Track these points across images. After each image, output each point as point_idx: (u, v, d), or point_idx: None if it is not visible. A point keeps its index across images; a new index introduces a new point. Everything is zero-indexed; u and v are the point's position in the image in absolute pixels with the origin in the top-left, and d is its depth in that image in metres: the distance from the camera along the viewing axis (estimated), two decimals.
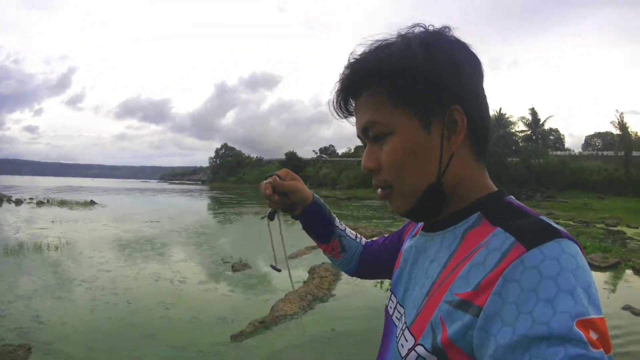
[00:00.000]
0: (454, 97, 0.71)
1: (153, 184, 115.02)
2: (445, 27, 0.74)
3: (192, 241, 13.73)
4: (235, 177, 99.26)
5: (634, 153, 45.20)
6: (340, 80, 0.79)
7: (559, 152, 56.96)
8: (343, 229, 1.21)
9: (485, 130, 0.76)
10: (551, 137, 63.23)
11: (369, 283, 8.49)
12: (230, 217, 21.79)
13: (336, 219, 1.21)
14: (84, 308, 6.41)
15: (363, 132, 0.77)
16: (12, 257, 9.72)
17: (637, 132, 49.88)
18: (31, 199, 29.14)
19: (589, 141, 77.91)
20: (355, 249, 1.21)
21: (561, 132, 68.08)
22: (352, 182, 65.89)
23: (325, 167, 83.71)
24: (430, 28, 0.73)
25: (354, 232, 1.24)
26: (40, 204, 26.03)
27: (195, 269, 9.44)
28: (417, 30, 0.73)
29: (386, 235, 1.23)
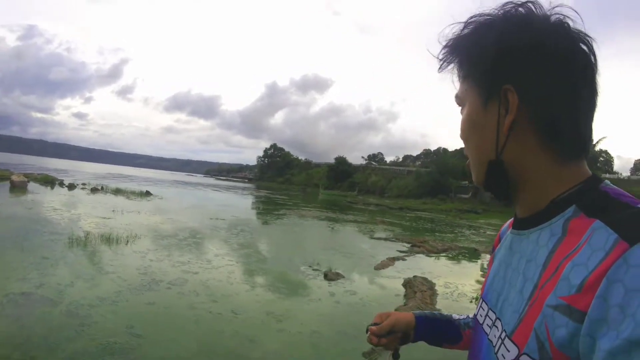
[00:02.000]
0: (507, 77, 0.70)
1: (199, 178, 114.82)
2: (536, 4, 0.71)
3: (266, 243, 13.47)
4: (282, 177, 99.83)
5: None
6: (442, 50, 0.80)
7: (607, 175, 55.10)
8: (465, 317, 1.18)
9: (561, 120, 0.69)
10: (601, 159, 61.20)
11: (467, 297, 8.46)
12: (295, 220, 21.21)
13: (453, 314, 1.20)
14: (185, 318, 5.57)
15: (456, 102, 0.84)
16: (79, 249, 8.82)
17: None
18: (84, 184, 28.70)
19: (638, 165, 75.14)
20: None
21: (611, 154, 65.84)
22: (402, 191, 65.57)
23: (375, 174, 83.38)
24: (525, 5, 0.71)
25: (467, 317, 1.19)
26: (94, 190, 25.25)
27: (287, 275, 8.87)
28: (507, 7, 0.72)
29: None
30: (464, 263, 13.16)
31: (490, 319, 0.79)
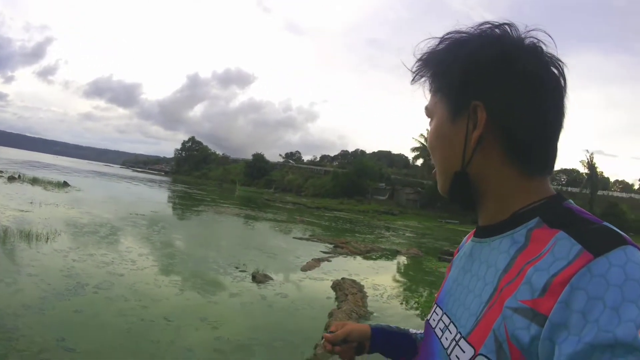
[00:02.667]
0: (477, 93, 0.71)
1: (116, 169, 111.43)
2: (513, 26, 0.73)
3: (188, 242, 13.28)
4: (199, 172, 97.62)
5: (599, 192, 47.45)
6: (416, 64, 0.82)
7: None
8: (422, 332, 1.13)
9: (528, 138, 0.71)
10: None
11: (397, 299, 8.60)
12: (215, 217, 20.95)
13: (410, 328, 1.19)
14: (116, 328, 5.24)
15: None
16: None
17: (602, 172, 52.74)
18: (0, 172, 27.34)
19: (554, 176, 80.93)
20: None
21: None
22: (318, 190, 65.93)
23: (292, 172, 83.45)
24: (501, 27, 0.73)
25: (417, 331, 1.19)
26: (11, 179, 24.17)
27: (215, 277, 8.70)
28: (484, 27, 0.74)
29: None
30: (389, 265, 13.46)
31: (444, 322, 0.80)
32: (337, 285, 8.87)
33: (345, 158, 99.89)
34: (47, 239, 9.39)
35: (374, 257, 14.36)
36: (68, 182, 26.84)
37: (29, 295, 5.82)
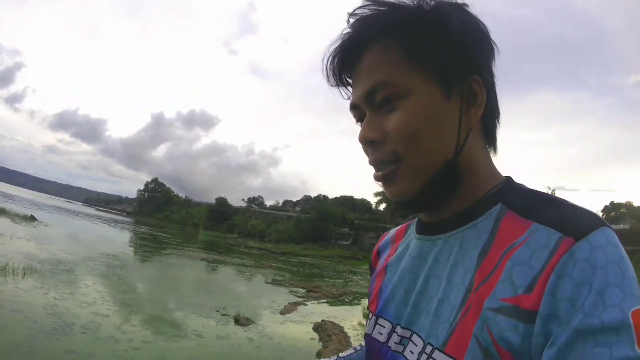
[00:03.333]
0: (476, 68, 0.67)
1: (79, 206, 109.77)
2: (465, 3, 0.68)
3: (166, 285, 13.20)
4: (162, 214, 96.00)
5: None
6: (344, 35, 0.70)
7: None
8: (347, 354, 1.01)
9: (497, 113, 0.72)
10: None
11: None
12: (185, 262, 20.34)
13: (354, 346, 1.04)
14: None
15: (367, 97, 0.67)
16: None
17: None
18: None
19: None
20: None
21: None
22: (282, 236, 65.57)
23: (255, 217, 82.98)
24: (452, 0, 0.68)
25: (351, 348, 1.03)
26: None
27: (199, 321, 8.57)
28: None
29: None
30: (363, 306, 13.59)
31: (399, 335, 0.71)
32: (318, 327, 8.99)
33: (308, 203, 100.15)
34: (24, 274, 9.16)
35: (347, 300, 14.55)
36: (35, 216, 26.33)
37: (18, 332, 5.67)
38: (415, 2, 0.66)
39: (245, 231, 75.06)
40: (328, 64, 0.72)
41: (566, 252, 0.53)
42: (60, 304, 7.50)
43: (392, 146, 0.65)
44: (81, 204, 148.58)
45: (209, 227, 76.28)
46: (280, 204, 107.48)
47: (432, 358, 0.62)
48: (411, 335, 0.68)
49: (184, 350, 6.46)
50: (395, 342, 0.71)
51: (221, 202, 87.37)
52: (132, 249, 22.79)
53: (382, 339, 0.75)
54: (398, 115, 0.65)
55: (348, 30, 0.69)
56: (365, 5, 0.68)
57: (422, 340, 0.65)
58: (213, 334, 7.73)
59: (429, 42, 0.64)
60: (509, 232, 0.60)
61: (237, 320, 8.82)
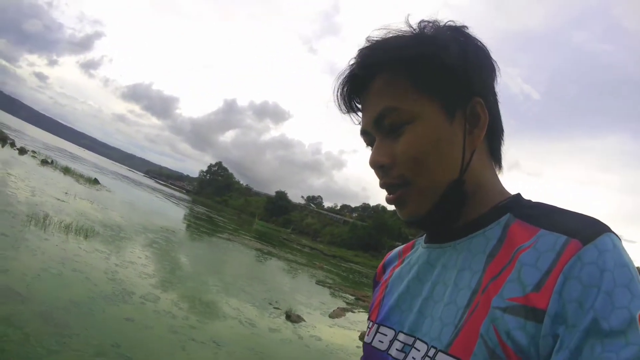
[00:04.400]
0: (477, 90, 0.69)
1: (140, 176, 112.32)
2: (464, 25, 0.71)
3: (223, 268, 13.45)
4: (220, 197, 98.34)
5: None
6: (352, 65, 0.72)
7: None
8: None
9: (501, 132, 0.74)
10: None
11: None
12: (241, 249, 20.82)
13: None
14: (171, 343, 5.30)
15: (376, 123, 0.70)
16: (39, 231, 8.07)
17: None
18: (34, 152, 27.65)
19: None
20: None
21: None
22: (335, 238, 66.06)
23: (311, 216, 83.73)
24: (450, 24, 0.71)
25: None
26: (44, 162, 24.09)
27: (253, 310, 8.66)
28: (440, 24, 0.71)
29: None
30: None
31: (402, 342, 0.69)
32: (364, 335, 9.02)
33: (366, 211, 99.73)
34: (87, 235, 9.27)
35: None
36: (98, 180, 26.75)
37: (77, 292, 5.67)
38: (417, 29, 0.70)
39: (299, 228, 75.87)
40: (338, 93, 0.75)
41: (574, 255, 0.53)
42: (121, 272, 7.59)
43: (400, 170, 0.67)
44: (142, 174, 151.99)
45: (265, 218, 77.58)
46: (338, 208, 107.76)
47: None
48: (414, 341, 0.67)
49: (237, 337, 6.51)
50: (397, 349, 0.70)
51: (281, 195, 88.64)
52: (191, 227, 23.16)
53: (382, 347, 0.73)
54: (405, 139, 0.67)
55: (356, 59, 0.71)
56: (372, 38, 0.71)
57: (426, 344, 0.64)
58: (265, 325, 7.79)
59: (431, 69, 0.67)
60: (517, 238, 0.61)
61: (289, 316, 8.88)
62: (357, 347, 8.32)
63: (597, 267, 0.52)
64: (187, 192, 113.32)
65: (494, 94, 0.72)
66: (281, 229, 69.03)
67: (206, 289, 9.11)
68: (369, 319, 0.84)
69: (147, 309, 6.19)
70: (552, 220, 0.60)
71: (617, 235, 0.56)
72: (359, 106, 0.76)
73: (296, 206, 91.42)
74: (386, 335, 0.74)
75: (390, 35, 0.70)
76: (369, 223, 68.01)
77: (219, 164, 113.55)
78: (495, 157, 0.74)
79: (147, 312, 6.05)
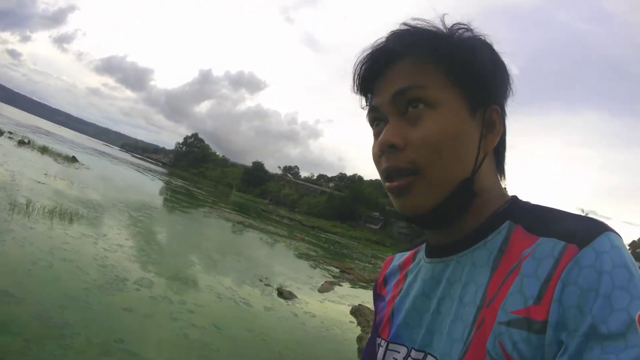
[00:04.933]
0: (498, 99, 0.69)
1: (116, 150, 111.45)
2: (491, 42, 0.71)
3: (206, 244, 13.37)
4: (197, 169, 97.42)
5: None
6: (377, 44, 0.69)
7: None
8: None
9: (505, 143, 0.73)
10: None
11: None
12: (222, 224, 20.89)
13: None
14: (172, 332, 5.25)
15: (395, 97, 0.66)
16: (23, 219, 7.87)
17: None
18: (10, 133, 27.30)
19: None
20: None
21: None
22: (312, 209, 66.12)
23: (288, 187, 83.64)
24: (482, 37, 0.70)
25: None
26: (21, 143, 23.85)
27: (245, 288, 8.72)
28: (473, 30, 0.70)
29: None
30: None
31: (414, 358, 0.69)
32: (356, 311, 9.20)
33: (342, 181, 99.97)
34: (71, 219, 9.09)
35: None
36: (76, 157, 26.55)
37: (70, 284, 5.51)
38: (452, 30, 0.68)
39: (276, 199, 75.85)
40: (359, 67, 0.71)
41: (571, 260, 0.53)
42: (111, 256, 7.46)
43: (412, 155, 0.64)
44: (118, 148, 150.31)
45: (242, 189, 77.27)
46: (315, 177, 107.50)
47: None
48: (425, 357, 0.67)
49: (236, 319, 6.55)
50: None
51: (258, 166, 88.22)
52: (171, 202, 23.22)
53: None
54: (426, 125, 0.64)
55: (381, 40, 0.69)
56: (409, 23, 0.69)
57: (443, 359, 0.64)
58: (260, 304, 7.85)
59: (463, 63, 0.65)
60: (517, 248, 0.60)
61: (281, 293, 9.01)
62: (350, 321, 8.50)
63: (595, 270, 0.51)
64: (164, 164, 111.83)
65: (505, 112, 0.71)
66: (258, 200, 69.05)
67: (196, 269, 9.24)
68: (378, 336, 0.81)
69: (143, 295, 6.14)
70: (551, 226, 0.59)
71: (616, 234, 0.55)
72: (368, 93, 0.74)
73: (273, 176, 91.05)
74: (399, 352, 0.73)
75: (427, 26, 0.68)
76: (346, 193, 68.31)
77: (194, 136, 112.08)
78: (499, 168, 0.73)
79: (143, 299, 6.00)
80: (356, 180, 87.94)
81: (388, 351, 0.75)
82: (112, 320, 4.89)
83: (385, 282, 0.88)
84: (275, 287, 9.36)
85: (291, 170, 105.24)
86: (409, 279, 0.79)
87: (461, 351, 0.60)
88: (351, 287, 12.95)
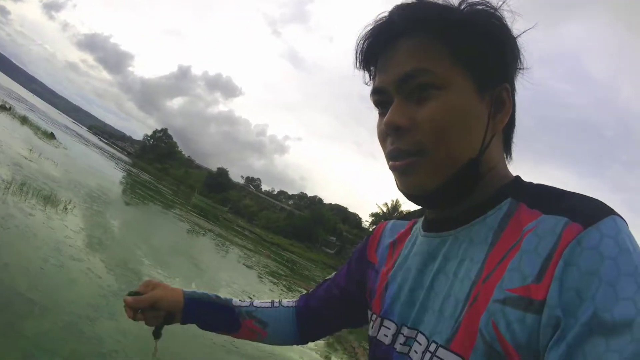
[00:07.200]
0: (507, 77, 0.67)
1: (84, 131, 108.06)
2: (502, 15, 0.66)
3: (183, 257, 12.54)
4: (161, 165, 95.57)
5: None
6: (380, 19, 0.67)
7: None
8: (248, 304, 1.01)
9: (514, 122, 0.71)
10: None
11: None
12: (195, 229, 20.80)
13: (233, 298, 1.02)
14: (202, 347, 5.34)
15: (402, 81, 0.64)
16: (20, 200, 7.42)
17: None
18: None
19: None
20: (280, 317, 1.02)
21: None
22: (271, 224, 65.69)
23: (249, 198, 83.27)
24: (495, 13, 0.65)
25: (267, 301, 1.04)
26: (3, 109, 23.41)
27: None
28: (487, 5, 0.65)
29: (325, 281, 1.03)
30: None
31: (406, 336, 0.68)
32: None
33: (302, 200, 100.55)
34: (65, 208, 8.62)
35: None
36: (54, 134, 26.17)
37: (88, 291, 5.17)
38: (456, 4, 0.65)
39: (236, 208, 75.02)
40: (362, 42, 0.70)
41: (574, 239, 0.50)
42: (118, 255, 7.40)
43: (418, 136, 0.62)
44: (86, 129, 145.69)
45: (203, 193, 76.26)
46: (276, 193, 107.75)
47: (437, 356, 0.59)
48: (417, 334, 0.65)
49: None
50: (400, 344, 0.68)
51: (222, 172, 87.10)
52: (148, 193, 23.56)
53: (387, 341, 0.72)
54: (432, 105, 0.62)
55: (384, 15, 0.67)
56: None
57: (427, 338, 0.63)
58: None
59: (471, 40, 0.63)
60: (518, 224, 0.58)
61: None
62: (327, 344, 9.00)
63: (598, 253, 0.48)
64: (128, 154, 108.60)
65: (514, 89, 0.69)
66: (219, 207, 67.94)
67: (198, 277, 9.25)
68: (370, 309, 0.80)
69: None
70: (554, 204, 0.56)
71: (623, 219, 0.53)
72: (369, 69, 0.73)
73: (235, 185, 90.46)
74: (389, 328, 0.72)
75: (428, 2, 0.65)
76: (306, 214, 68.45)
77: (164, 131, 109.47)
78: (507, 149, 0.71)
79: None
80: (317, 202, 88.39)
81: (382, 327, 0.74)
82: (145, 335, 4.18)
83: (377, 249, 0.87)
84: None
85: (253, 182, 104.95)
86: (404, 253, 0.77)
87: (452, 329, 0.59)
88: None
